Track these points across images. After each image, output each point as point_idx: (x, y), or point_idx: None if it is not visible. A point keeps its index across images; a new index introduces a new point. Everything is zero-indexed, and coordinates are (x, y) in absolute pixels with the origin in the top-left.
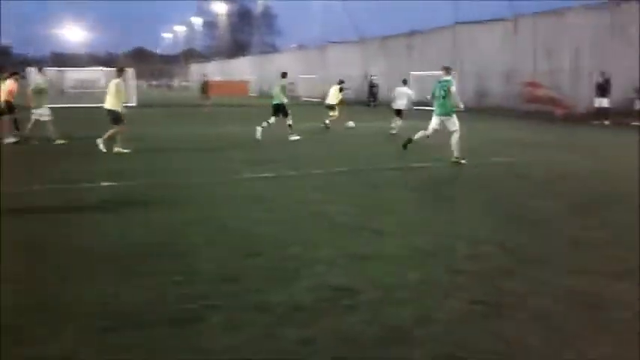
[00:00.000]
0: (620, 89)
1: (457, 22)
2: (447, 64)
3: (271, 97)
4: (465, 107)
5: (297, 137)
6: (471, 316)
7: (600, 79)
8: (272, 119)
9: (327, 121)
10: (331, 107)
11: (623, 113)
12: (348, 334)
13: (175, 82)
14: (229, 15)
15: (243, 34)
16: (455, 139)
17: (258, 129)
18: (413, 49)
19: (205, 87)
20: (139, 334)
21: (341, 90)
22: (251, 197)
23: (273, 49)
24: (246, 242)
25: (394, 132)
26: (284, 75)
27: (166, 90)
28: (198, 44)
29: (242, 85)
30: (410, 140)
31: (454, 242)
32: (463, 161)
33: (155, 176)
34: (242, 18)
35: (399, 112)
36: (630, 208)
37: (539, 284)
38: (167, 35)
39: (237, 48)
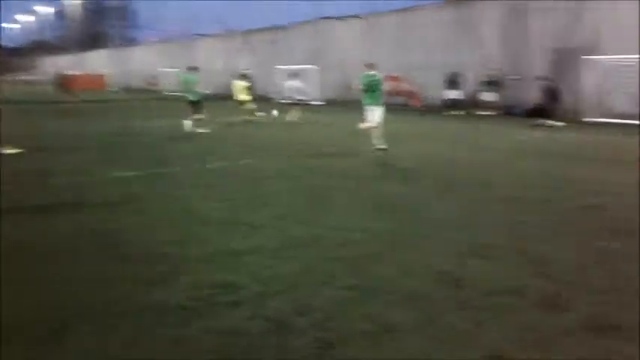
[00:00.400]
0: (469, 82)
1: (319, 18)
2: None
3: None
4: (329, 100)
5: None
6: (346, 302)
7: (450, 73)
8: (196, 116)
9: (248, 116)
10: (242, 102)
11: (472, 104)
12: (230, 330)
13: (31, 77)
14: (83, 5)
15: (98, 26)
16: (377, 130)
17: (186, 122)
18: (277, 44)
19: (62, 81)
20: None
21: (247, 81)
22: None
23: (132, 42)
24: (116, 246)
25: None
26: (194, 68)
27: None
28: (50, 35)
29: (98, 79)
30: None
31: (327, 231)
32: (384, 147)
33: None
34: (96, 9)
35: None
36: (484, 190)
37: (407, 266)
38: (11, 25)
39: (93, 40)
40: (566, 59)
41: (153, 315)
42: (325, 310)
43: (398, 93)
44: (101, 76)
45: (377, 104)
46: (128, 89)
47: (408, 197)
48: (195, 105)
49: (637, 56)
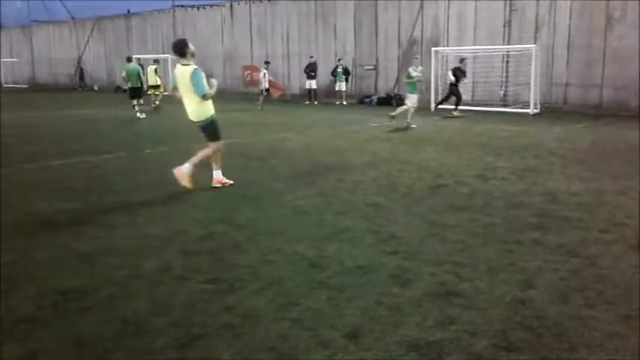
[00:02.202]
0: (325, 72)
1: (175, 6)
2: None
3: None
4: None
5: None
6: (207, 296)
7: (308, 63)
8: (134, 101)
9: (157, 102)
10: (155, 87)
11: (327, 93)
12: (81, 337)
13: None
14: None
15: None
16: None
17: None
18: (131, 31)
19: None
20: None
21: (156, 71)
22: None
23: None
24: None
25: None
26: (130, 59)
27: None
28: None
29: None
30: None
31: (187, 226)
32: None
33: None
34: None
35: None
36: (340, 175)
37: (269, 254)
38: None
39: None
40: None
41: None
42: (184, 306)
43: (255, 83)
44: None
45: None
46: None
47: (270, 186)
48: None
49: (474, 47)
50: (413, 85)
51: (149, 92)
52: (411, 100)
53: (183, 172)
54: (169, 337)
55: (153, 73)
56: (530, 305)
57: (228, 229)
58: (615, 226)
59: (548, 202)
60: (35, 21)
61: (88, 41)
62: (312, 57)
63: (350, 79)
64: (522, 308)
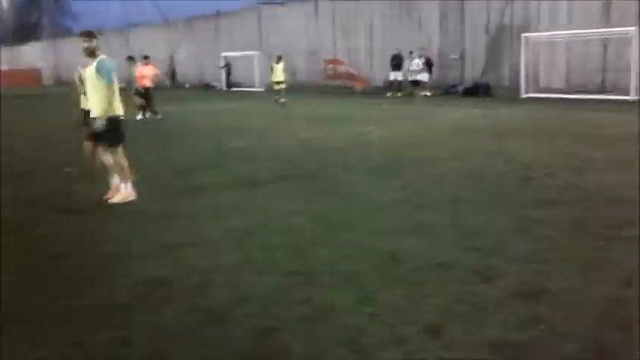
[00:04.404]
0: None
1: (259, 3)
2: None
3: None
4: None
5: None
6: (285, 289)
7: (393, 55)
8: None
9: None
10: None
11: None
12: (166, 324)
13: None
14: None
15: (30, 17)
16: None
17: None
18: (220, 31)
19: None
20: None
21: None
22: None
23: (67, 33)
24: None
25: None
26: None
27: None
28: None
29: (34, 74)
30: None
31: (267, 219)
32: None
33: None
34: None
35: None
36: (423, 168)
37: (345, 248)
38: None
39: (25, 32)
40: (502, 37)
41: (89, 315)
42: (262, 298)
43: (337, 76)
44: (36, 71)
45: None
46: (60, 82)
47: (346, 178)
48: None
49: (567, 32)
50: None
51: (276, 87)
52: None
53: (123, 195)
54: (245, 328)
55: (280, 70)
56: (626, 306)
57: (307, 223)
58: None
59: None
60: (131, 24)
61: (180, 42)
62: (396, 49)
63: (428, 69)
64: (617, 309)
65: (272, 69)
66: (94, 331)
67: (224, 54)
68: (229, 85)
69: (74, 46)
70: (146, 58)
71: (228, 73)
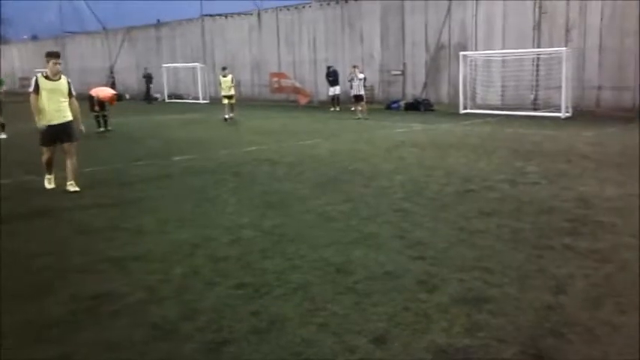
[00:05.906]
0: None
1: (203, 15)
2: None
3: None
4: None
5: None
6: (235, 301)
7: (331, 71)
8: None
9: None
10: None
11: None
12: (112, 340)
13: None
14: None
15: None
16: None
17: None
18: (161, 41)
19: None
20: None
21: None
22: None
23: (3, 40)
24: None
25: None
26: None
27: None
28: None
29: None
30: None
31: (216, 232)
32: None
33: None
34: None
35: None
36: (367, 181)
37: (296, 259)
38: None
39: None
40: (441, 55)
41: (28, 331)
42: (212, 311)
43: (282, 90)
44: None
45: None
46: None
47: (295, 192)
48: None
49: (502, 51)
50: None
51: (224, 102)
52: None
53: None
54: (195, 342)
55: (228, 83)
56: (560, 311)
57: (256, 235)
58: None
59: (580, 207)
60: (68, 32)
61: (119, 51)
62: (330, 66)
63: (365, 85)
64: (553, 314)
65: (220, 83)
66: (29, 348)
67: (164, 65)
68: (148, 98)
69: (7, 54)
70: None
71: (148, 85)
